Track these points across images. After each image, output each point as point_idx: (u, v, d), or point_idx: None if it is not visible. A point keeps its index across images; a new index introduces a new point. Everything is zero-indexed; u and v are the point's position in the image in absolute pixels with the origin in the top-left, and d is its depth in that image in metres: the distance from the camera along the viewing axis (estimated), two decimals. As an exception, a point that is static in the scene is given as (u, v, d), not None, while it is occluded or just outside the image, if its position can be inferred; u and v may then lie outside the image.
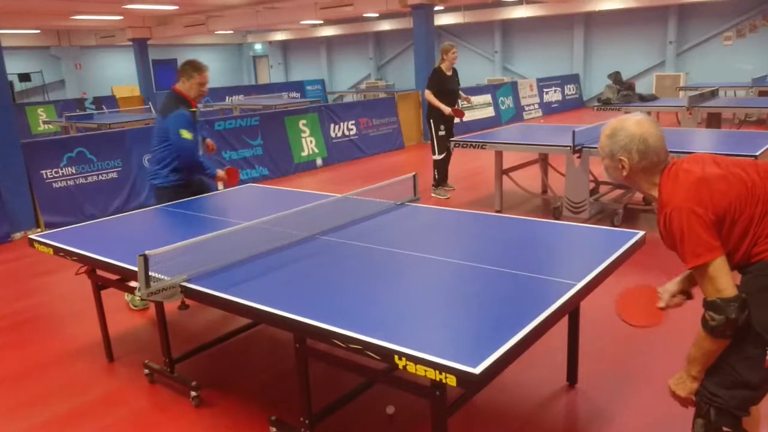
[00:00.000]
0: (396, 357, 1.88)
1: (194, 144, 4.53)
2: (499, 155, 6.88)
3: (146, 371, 3.52)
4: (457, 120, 8.10)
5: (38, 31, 19.88)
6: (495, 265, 2.68)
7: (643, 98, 10.59)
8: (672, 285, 2.29)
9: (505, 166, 6.99)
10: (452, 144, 7.21)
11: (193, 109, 4.62)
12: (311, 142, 10.58)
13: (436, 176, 7.99)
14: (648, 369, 3.36)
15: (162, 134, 4.55)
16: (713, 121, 10.09)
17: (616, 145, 2.08)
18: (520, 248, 3.00)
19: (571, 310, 2.93)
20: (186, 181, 4.63)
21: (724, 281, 1.88)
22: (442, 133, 7.82)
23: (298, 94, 20.77)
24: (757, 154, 5.04)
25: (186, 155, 4.51)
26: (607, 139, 2.12)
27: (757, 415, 2.21)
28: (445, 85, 7.71)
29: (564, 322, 2.92)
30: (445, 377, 1.78)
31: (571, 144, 5.85)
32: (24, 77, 20.93)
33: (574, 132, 5.86)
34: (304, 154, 10.43)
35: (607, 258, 2.64)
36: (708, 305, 1.90)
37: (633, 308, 2.28)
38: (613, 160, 2.11)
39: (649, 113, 10.52)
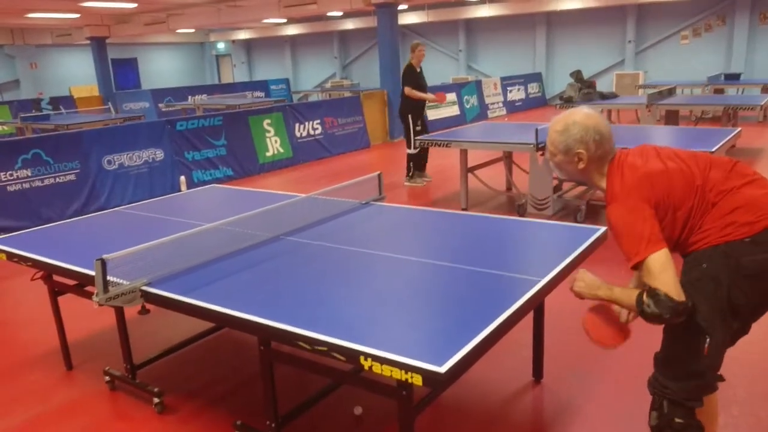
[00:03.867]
0: (362, 358, 1.86)
1: None
2: (464, 153, 6.92)
3: (107, 378, 3.43)
4: (441, 105, 8.74)
5: (-10, 30, 19.25)
6: (460, 263, 2.68)
7: (604, 96, 10.80)
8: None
9: (471, 164, 7.03)
10: (417, 142, 7.25)
11: None
12: (276, 141, 10.48)
13: (411, 169, 8.36)
14: (611, 362, 3.41)
15: None
16: (671, 118, 10.34)
17: (571, 138, 2.10)
18: (486, 246, 3.01)
19: (536, 306, 2.95)
20: None
21: (668, 277, 1.89)
22: (418, 128, 8.15)
23: (263, 94, 20.56)
24: (713, 150, 5.17)
25: None
26: (560, 134, 2.13)
27: (713, 406, 2.26)
28: (419, 81, 8.12)
29: (529, 318, 2.94)
30: (411, 377, 1.77)
31: (535, 142, 5.91)
32: (-25, 77, 20.25)
33: (537, 130, 5.93)
34: (269, 153, 10.32)
35: (571, 253, 2.67)
36: (652, 294, 1.91)
37: (603, 331, 2.29)
38: (568, 155, 2.13)
39: (610, 111, 10.77)
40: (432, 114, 13.07)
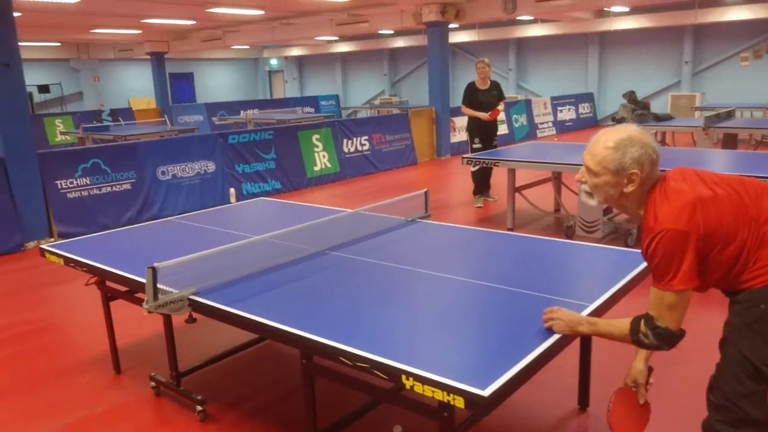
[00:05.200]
0: (403, 377, 1.84)
1: None
2: (512, 173, 6.84)
3: (152, 384, 3.50)
4: (499, 118, 8.58)
5: (59, 44, 20.21)
6: (506, 285, 2.64)
7: (658, 118, 10.53)
8: (639, 373, 2.32)
9: (518, 183, 6.95)
10: (463, 160, 7.16)
11: None
12: (324, 156, 10.61)
13: (474, 186, 8.28)
14: (660, 393, 3.28)
15: None
16: (729, 141, 9.99)
17: (628, 157, 1.89)
18: (532, 268, 2.95)
19: (584, 332, 2.86)
20: None
21: (679, 315, 1.86)
22: (477, 145, 8.08)
23: (313, 109, 20.89)
24: (774, 175, 4.96)
25: None
26: (614, 152, 1.91)
27: None
28: (476, 99, 8.02)
29: (576, 344, 2.86)
30: (453, 399, 1.73)
31: (585, 163, 5.79)
32: (43, 89, 21.25)
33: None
34: (317, 168, 10.46)
35: (621, 279, 2.59)
36: (653, 327, 1.88)
37: (627, 422, 2.28)
38: (618, 176, 1.92)
39: (664, 133, 10.46)
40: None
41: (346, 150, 11.08)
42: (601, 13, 17.05)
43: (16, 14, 6.89)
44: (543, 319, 2.14)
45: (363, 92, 25.39)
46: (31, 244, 6.85)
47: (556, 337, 2.06)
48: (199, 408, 3.20)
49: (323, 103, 22.25)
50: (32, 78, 19.17)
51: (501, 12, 12.42)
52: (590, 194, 2.05)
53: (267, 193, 9.13)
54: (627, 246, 5.69)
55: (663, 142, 11.05)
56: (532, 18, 17.20)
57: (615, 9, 15.71)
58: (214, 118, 17.56)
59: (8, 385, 3.72)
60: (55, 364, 3.99)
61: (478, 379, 1.76)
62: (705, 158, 6.57)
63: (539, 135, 16.21)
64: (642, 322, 1.92)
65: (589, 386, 3.17)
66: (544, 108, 16.89)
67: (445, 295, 2.63)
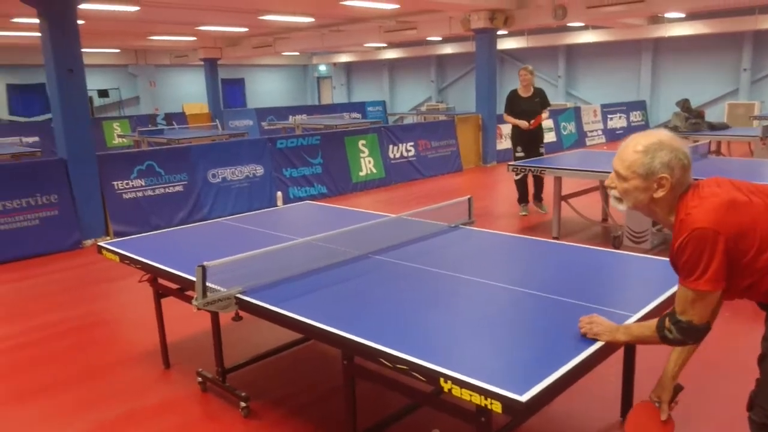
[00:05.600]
0: (442, 380, 1.86)
1: None
2: (558, 181, 6.77)
3: (199, 380, 3.61)
4: (546, 125, 8.45)
5: (118, 51, 21.02)
6: (549, 293, 2.63)
7: (714, 127, 10.21)
8: (664, 390, 2.28)
9: (565, 191, 6.86)
10: (509, 167, 7.12)
11: None
12: (370, 162, 10.70)
13: (518, 195, 8.19)
14: (707, 406, 3.20)
15: None
16: (789, 152, 9.60)
17: (657, 161, 1.87)
18: (577, 276, 2.93)
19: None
20: None
21: (706, 312, 1.87)
22: (519, 154, 7.98)
23: (360, 115, 21.07)
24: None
25: None
26: (643, 155, 1.89)
27: None
28: (517, 107, 7.93)
29: (619, 354, 2.82)
30: (491, 403, 1.75)
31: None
32: (103, 93, 22.12)
33: (637, 159, 5.70)
34: (362, 173, 10.56)
35: (668, 290, 2.54)
36: (675, 321, 1.90)
37: None
38: (648, 180, 1.90)
39: (719, 142, 10.12)
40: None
41: (391, 156, 11.15)
42: (655, 19, 16.64)
43: (79, 22, 7.22)
44: (579, 326, 2.13)
45: (410, 98, 25.47)
46: (88, 242, 7.15)
47: (598, 345, 2.05)
48: (243, 404, 3.29)
49: (370, 109, 22.41)
50: (93, 83, 19.96)
51: (551, 18, 12.29)
52: (619, 199, 2.03)
53: (313, 197, 9.27)
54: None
55: (718, 152, 10.70)
56: (582, 24, 16.94)
57: (670, 15, 15.32)
58: (263, 123, 17.92)
59: (64, 376, 3.90)
60: (108, 357, 4.16)
61: (517, 384, 1.77)
62: (762, 169, 6.34)
63: (588, 143, 15.92)
64: (666, 318, 1.95)
65: (633, 398, 3.11)
66: (593, 116, 16.59)
67: (487, 301, 2.63)
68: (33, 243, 6.75)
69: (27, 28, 12.73)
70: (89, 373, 3.94)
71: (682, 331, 1.90)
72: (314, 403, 3.46)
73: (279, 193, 9.05)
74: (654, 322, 2.00)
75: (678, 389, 2.32)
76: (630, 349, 3.05)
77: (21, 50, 17.99)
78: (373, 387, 2.98)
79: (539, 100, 7.93)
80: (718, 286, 1.81)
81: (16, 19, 11.85)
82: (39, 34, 7.15)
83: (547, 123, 14.72)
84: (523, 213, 8.05)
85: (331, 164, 10.03)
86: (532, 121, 7.78)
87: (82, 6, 7.22)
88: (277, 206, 5.19)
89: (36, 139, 14.78)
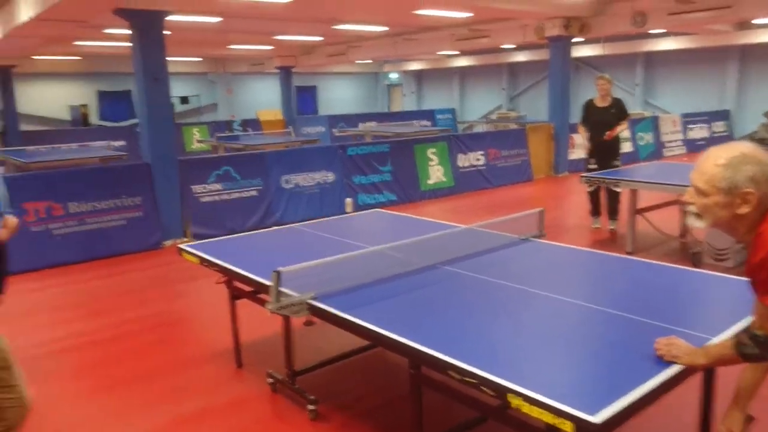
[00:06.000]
0: (511, 395, 1.86)
1: None
2: (633, 194, 6.55)
3: (270, 380, 3.73)
4: (623, 136, 8.15)
5: (199, 59, 21.95)
6: (623, 311, 2.56)
7: (807, 139, 9.61)
8: (734, 421, 2.17)
9: (641, 204, 6.63)
10: (582, 178, 6.94)
11: None
12: (439, 170, 10.71)
13: (590, 207, 7.97)
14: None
15: None
16: None
17: (741, 175, 1.76)
18: (653, 295, 2.83)
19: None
20: None
21: None
22: (592, 166, 7.68)
23: (429, 122, 21.09)
24: None
25: None
26: (724, 169, 1.78)
27: None
28: (592, 116, 7.67)
29: (698, 377, 2.71)
30: (562, 422, 1.73)
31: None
32: (183, 100, 23.16)
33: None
34: (431, 181, 10.57)
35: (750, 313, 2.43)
36: (752, 336, 1.84)
37: None
38: (730, 195, 1.79)
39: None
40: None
41: (460, 164, 11.11)
42: (743, 25, 15.82)
43: (165, 32, 7.62)
44: (655, 348, 2.07)
45: (480, 106, 25.27)
46: (168, 243, 7.51)
47: (675, 368, 1.98)
48: (311, 407, 3.38)
49: (439, 116, 22.39)
50: (175, 90, 20.86)
51: (630, 26, 11.91)
52: (698, 216, 1.93)
53: (382, 204, 9.35)
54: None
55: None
56: (663, 31, 16.32)
57: (758, 21, 14.52)
58: (334, 130, 18.24)
59: (145, 370, 4.12)
60: (185, 354, 4.36)
61: (589, 404, 1.74)
62: None
63: (666, 154, 15.30)
64: (744, 333, 1.89)
65: (710, 426, 2.98)
66: (672, 125, 15.93)
67: (557, 317, 2.60)
68: (119, 242, 7.16)
69: (117, 38, 13.52)
70: (167, 368, 4.14)
71: (760, 345, 1.83)
72: (380, 408, 3.50)
73: (349, 200, 9.31)
74: (730, 339, 1.94)
75: (749, 420, 2.20)
76: (710, 374, 2.92)
77: (110, 59, 19.09)
78: (439, 396, 3.00)
79: (616, 111, 7.59)
80: None
81: (108, 30, 12.60)
82: (127, 44, 7.60)
83: (623, 134, 14.30)
84: (596, 226, 7.83)
85: (400, 172, 10.10)
86: (606, 133, 7.46)
87: (169, 18, 7.61)
88: (346, 212, 5.28)
89: (122, 143, 15.68)
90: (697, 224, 1.95)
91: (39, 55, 17.11)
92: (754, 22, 14.83)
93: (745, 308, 2.48)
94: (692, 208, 1.96)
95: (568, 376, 2.04)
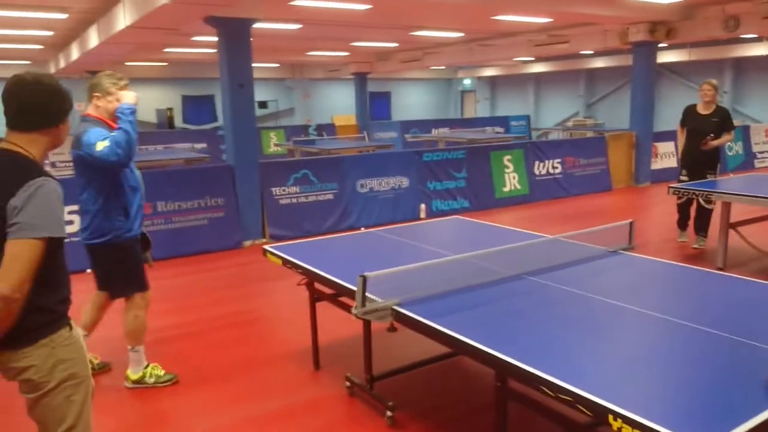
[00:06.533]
0: (611, 416, 1.79)
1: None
2: (726, 206, 6.21)
3: (347, 384, 3.75)
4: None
5: (278, 65, 22.57)
6: (723, 331, 2.42)
7: None
8: None
9: (733, 219, 6.28)
10: (669, 190, 6.61)
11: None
12: (514, 177, 10.53)
13: (678, 219, 7.58)
14: None
15: (82, 173, 3.62)
16: None
17: None
18: (753, 314, 2.67)
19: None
20: (128, 231, 3.71)
21: None
22: (683, 177, 7.27)
23: (503, 129, 20.81)
24: None
25: (114, 157, 3.39)
26: None
27: None
28: (691, 122, 7.20)
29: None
30: (667, 448, 1.65)
31: (822, 201, 5.08)
32: (262, 104, 23.86)
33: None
34: (506, 189, 10.41)
35: None
36: None
37: None
38: None
39: None
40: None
41: (536, 172, 10.88)
42: None
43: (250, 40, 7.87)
44: None
45: (555, 113, 24.71)
46: (247, 243, 7.73)
47: (790, 398, 1.85)
48: (389, 413, 3.37)
49: (513, 123, 22.05)
50: (255, 95, 21.67)
51: (721, 30, 11.33)
52: None
53: (455, 211, 9.28)
54: None
55: None
56: (755, 36, 15.43)
57: None
58: (406, 135, 18.31)
59: (225, 368, 4.24)
60: (264, 353, 4.46)
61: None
62: None
63: (757, 165, 14.44)
64: None
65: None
66: (765, 135, 15.02)
67: (652, 334, 2.49)
68: (202, 241, 7.43)
69: (203, 45, 14.08)
70: (247, 366, 4.25)
71: None
72: (459, 418, 3.46)
73: (422, 206, 9.30)
74: None
75: None
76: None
77: (193, 65, 19.94)
78: (519, 408, 2.93)
79: (719, 121, 7.02)
80: None
81: (195, 38, 13.15)
82: (212, 51, 7.89)
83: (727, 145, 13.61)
84: (682, 239, 7.46)
85: (475, 178, 10.00)
86: (705, 141, 6.95)
87: (255, 25, 7.85)
88: (420, 218, 5.26)
89: (204, 145, 16.28)
90: None
91: (129, 61, 18.06)
92: None
93: None
94: None
95: (673, 400, 1.94)
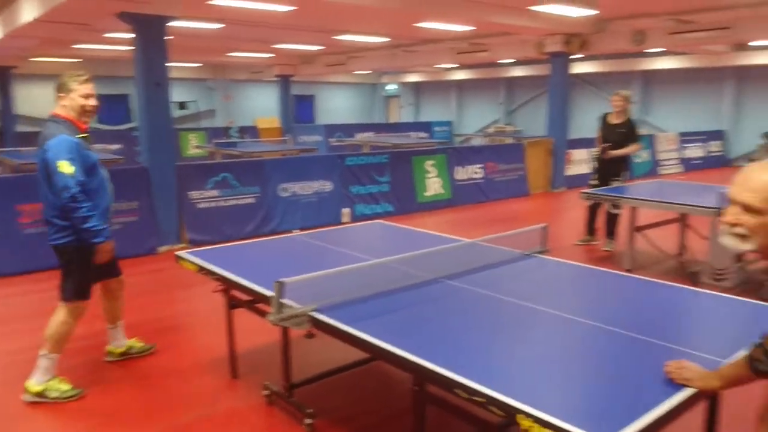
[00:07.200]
0: (521, 416, 1.82)
1: (77, 181, 3.48)
2: (632, 211, 6.55)
3: (266, 392, 3.66)
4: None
5: (199, 65, 21.93)
6: (627, 330, 2.53)
7: (803, 161, 9.66)
8: None
9: (639, 222, 6.63)
10: (582, 194, 6.92)
11: (82, 135, 3.69)
12: (437, 182, 10.69)
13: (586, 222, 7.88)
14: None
15: (45, 175, 3.59)
16: None
17: None
18: (656, 313, 2.81)
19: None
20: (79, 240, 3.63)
21: None
22: (593, 182, 7.58)
23: (426, 134, 21.13)
24: None
25: (63, 195, 3.45)
26: None
27: None
28: (602, 131, 7.51)
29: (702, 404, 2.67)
30: (573, 445, 1.69)
31: (718, 205, 5.44)
32: (182, 105, 23.09)
33: (723, 194, 5.46)
34: (428, 193, 10.55)
35: (754, 336, 2.39)
36: (765, 350, 1.81)
37: None
38: None
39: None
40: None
41: (458, 177, 11.10)
42: (740, 47, 15.96)
43: (167, 38, 7.59)
44: (666, 371, 2.04)
45: (477, 119, 25.36)
46: (163, 248, 7.44)
47: (686, 392, 1.95)
48: (308, 421, 3.32)
49: (436, 128, 22.44)
50: (173, 95, 20.95)
51: (629, 44, 12.00)
52: (745, 237, 1.76)
53: (378, 215, 9.32)
54: (762, 300, 5.25)
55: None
56: (661, 50, 16.45)
57: (755, 43, 14.65)
58: (331, 139, 18.23)
59: (136, 379, 4.05)
60: (178, 363, 4.29)
61: (604, 428, 1.71)
62: None
63: (662, 172, 15.38)
64: (757, 349, 1.86)
65: (715, 449, 2.94)
66: (669, 144, 16.03)
67: (563, 335, 2.56)
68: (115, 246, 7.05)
69: (116, 42, 13.47)
70: (160, 376, 4.07)
71: None
72: (379, 424, 3.45)
73: (346, 210, 9.27)
74: (743, 358, 1.91)
75: None
76: (713, 400, 2.89)
77: (108, 62, 19.04)
78: (437, 412, 2.95)
79: (625, 131, 7.35)
80: None
81: (108, 34, 12.56)
82: (127, 48, 7.57)
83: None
84: (583, 241, 7.75)
85: (398, 183, 10.08)
86: (607, 151, 7.31)
87: (172, 23, 7.58)
88: (343, 222, 5.24)
89: (119, 146, 15.58)
90: (743, 246, 1.78)
91: (38, 56, 17.05)
92: (752, 44, 14.97)
93: (751, 329, 2.46)
94: (739, 230, 1.77)
95: (579, 397, 2.01)
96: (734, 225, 1.78)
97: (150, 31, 7.33)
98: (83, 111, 3.69)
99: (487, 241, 3.86)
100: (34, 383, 3.70)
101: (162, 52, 7.45)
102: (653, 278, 3.48)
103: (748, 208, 1.73)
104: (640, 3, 10.49)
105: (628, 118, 7.46)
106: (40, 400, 3.68)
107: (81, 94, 3.65)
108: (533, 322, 2.72)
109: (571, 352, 2.41)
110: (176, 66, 20.55)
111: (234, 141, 16.10)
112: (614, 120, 7.46)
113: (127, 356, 4.33)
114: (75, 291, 3.75)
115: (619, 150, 7.36)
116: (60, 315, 3.74)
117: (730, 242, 1.81)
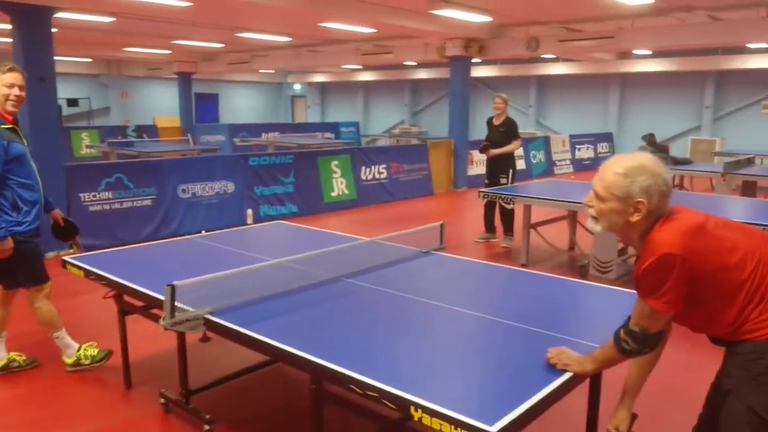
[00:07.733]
0: (412, 408, 1.87)
1: None
2: (527, 209, 6.88)
3: (162, 400, 3.53)
4: (517, 153, 8.39)
5: (90, 60, 20.72)
6: (518, 321, 2.66)
7: (677, 161, 10.53)
8: (621, 421, 2.33)
9: (534, 219, 6.97)
10: (480, 193, 7.19)
11: (7, 126, 3.71)
12: (342, 183, 10.72)
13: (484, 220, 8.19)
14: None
15: None
16: (748, 189, 9.95)
17: (636, 185, 1.87)
18: (545, 306, 2.97)
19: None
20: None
21: (659, 324, 1.95)
22: (486, 181, 8.03)
23: (333, 135, 21.12)
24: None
25: None
26: (622, 178, 1.89)
27: None
28: (488, 133, 7.96)
29: (585, 385, 2.85)
30: (460, 432, 1.76)
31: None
32: (72, 102, 21.74)
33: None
34: (334, 194, 10.56)
35: (632, 323, 2.60)
36: (629, 332, 1.98)
37: None
38: (625, 203, 1.90)
39: (682, 177, 10.37)
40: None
41: (363, 177, 11.19)
42: (624, 55, 17.19)
43: (53, 30, 7.12)
44: (547, 357, 2.16)
45: (383, 120, 25.67)
46: (51, 254, 6.95)
47: (566, 376, 2.08)
48: (206, 427, 3.23)
49: (343, 129, 22.49)
50: (62, 91, 19.60)
51: (524, 49, 12.58)
52: (596, 220, 2.04)
53: (284, 216, 9.22)
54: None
55: (681, 186, 11.03)
56: (554, 56, 17.39)
57: (638, 51, 15.83)
58: (235, 139, 17.81)
59: (22, 392, 3.78)
60: (67, 374, 4.04)
61: (487, 414, 1.79)
62: (723, 204, 6.56)
63: (557, 172, 16.24)
64: (621, 330, 2.03)
65: (597, 427, 3.15)
66: (562, 145, 16.95)
67: (457, 329, 2.65)
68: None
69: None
70: (47, 390, 3.82)
71: (637, 341, 1.98)
72: (280, 426, 3.42)
73: (249, 211, 9.10)
74: (611, 340, 2.07)
75: (633, 417, 2.37)
76: (595, 380, 3.09)
77: (-11, 55, 17.66)
78: (339, 411, 2.96)
79: (504, 131, 7.79)
80: (675, 309, 1.90)
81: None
82: (8, 40, 7.04)
83: (518, 152, 15.01)
84: (483, 238, 8.06)
85: (303, 184, 10.02)
86: (489, 151, 7.76)
87: (58, 15, 7.13)
88: (247, 223, 5.15)
89: (0, 146, 14.41)
90: (594, 227, 2.04)
91: None
92: (634, 52, 16.15)
93: (624, 317, 2.66)
94: (591, 211, 2.04)
95: (468, 387, 2.09)
96: (590, 207, 2.05)
97: (31, 22, 6.84)
98: (7, 100, 3.69)
99: (386, 239, 3.92)
100: (67, 358, 4.09)
101: (47, 45, 6.97)
102: (545, 272, 3.68)
103: (597, 195, 2.00)
104: (532, 11, 11.03)
105: (508, 117, 7.92)
106: (80, 369, 4.06)
107: (5, 83, 3.67)
108: (429, 317, 2.79)
109: (462, 344, 2.51)
110: (66, 60, 19.30)
111: (131, 140, 15.37)
112: (496, 121, 7.93)
113: (8, 370, 4.03)
114: (27, 278, 3.91)
115: (499, 149, 7.78)
116: (33, 304, 3.97)
117: (588, 223, 2.11)
